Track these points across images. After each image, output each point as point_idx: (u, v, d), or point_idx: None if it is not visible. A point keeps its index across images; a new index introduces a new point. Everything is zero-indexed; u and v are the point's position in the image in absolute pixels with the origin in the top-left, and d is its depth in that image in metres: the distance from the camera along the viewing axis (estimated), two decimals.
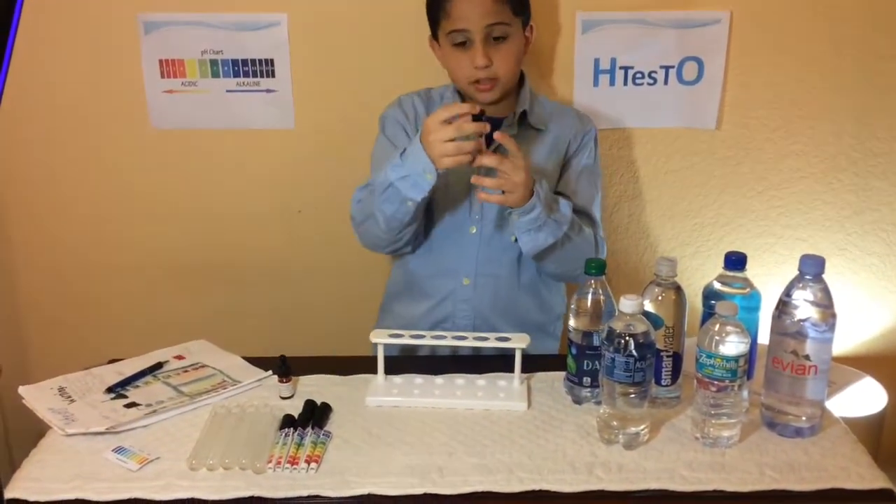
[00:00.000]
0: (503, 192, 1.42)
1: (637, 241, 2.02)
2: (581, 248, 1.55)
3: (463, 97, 1.61)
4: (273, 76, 1.84)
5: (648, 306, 1.28)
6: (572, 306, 1.32)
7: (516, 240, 1.54)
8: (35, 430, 1.30)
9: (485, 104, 1.54)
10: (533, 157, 1.60)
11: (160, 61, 1.82)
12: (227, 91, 1.85)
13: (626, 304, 1.19)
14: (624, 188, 1.97)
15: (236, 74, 1.83)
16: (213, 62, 1.82)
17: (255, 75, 1.84)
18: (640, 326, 1.19)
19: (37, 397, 1.35)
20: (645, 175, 1.96)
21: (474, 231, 1.61)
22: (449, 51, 1.55)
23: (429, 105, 1.65)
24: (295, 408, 1.33)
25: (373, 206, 1.51)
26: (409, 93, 1.67)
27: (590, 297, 1.31)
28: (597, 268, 1.30)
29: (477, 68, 1.51)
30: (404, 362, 1.47)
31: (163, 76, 1.83)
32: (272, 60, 1.83)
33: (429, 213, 1.62)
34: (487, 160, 1.40)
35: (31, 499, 1.12)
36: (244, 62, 1.83)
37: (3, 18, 0.60)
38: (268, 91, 1.85)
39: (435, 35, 1.58)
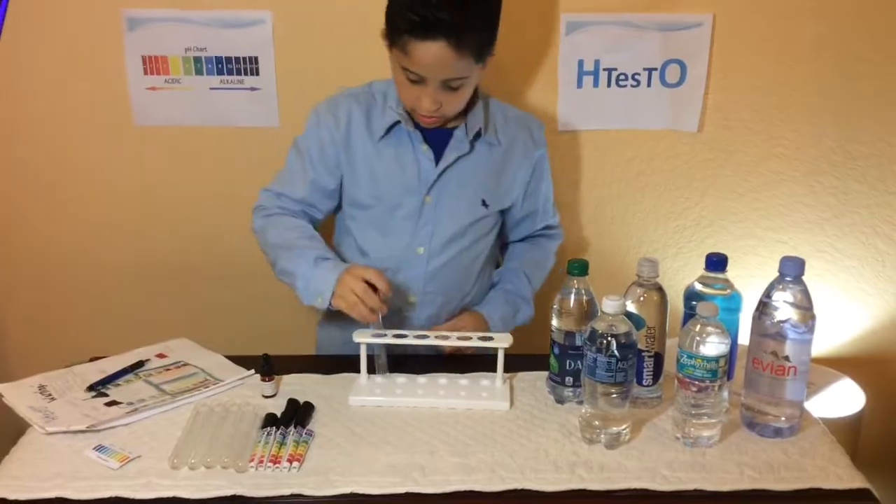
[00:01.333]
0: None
1: (620, 241, 2.03)
2: (545, 278, 1.75)
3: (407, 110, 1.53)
4: (257, 74, 1.83)
5: (630, 307, 1.29)
6: (555, 306, 1.33)
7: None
8: (14, 428, 1.29)
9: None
10: (487, 173, 1.57)
11: (143, 58, 1.81)
12: (211, 88, 1.84)
13: (609, 304, 1.20)
14: (607, 189, 1.98)
15: (220, 72, 1.82)
16: (197, 59, 1.81)
17: (239, 73, 1.83)
18: (622, 327, 1.19)
19: (17, 395, 1.34)
20: (628, 176, 1.97)
21: (422, 251, 1.58)
22: (399, 74, 1.44)
23: (369, 110, 1.55)
24: (278, 406, 1.33)
25: (271, 244, 1.55)
26: (350, 92, 1.58)
27: (572, 297, 1.31)
28: (579, 268, 1.31)
29: (423, 109, 1.45)
30: (387, 361, 1.46)
31: (146, 73, 1.82)
32: (256, 58, 1.82)
33: (372, 234, 1.59)
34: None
35: (12, 497, 1.11)
36: (228, 60, 1.82)
37: None
38: (252, 89, 1.85)
39: (389, 45, 1.43)
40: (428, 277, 1.59)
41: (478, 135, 1.55)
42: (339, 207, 1.64)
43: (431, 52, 1.35)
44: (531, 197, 1.69)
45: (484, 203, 1.59)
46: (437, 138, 1.55)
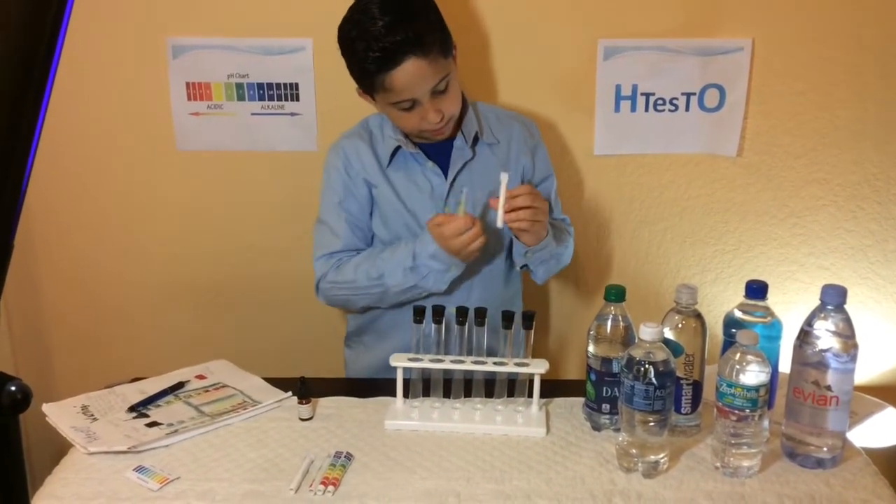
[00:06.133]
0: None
1: (657, 267, 2.02)
2: (569, 257, 1.69)
3: (405, 133, 1.59)
4: (297, 100, 1.86)
5: (668, 334, 1.28)
6: (591, 332, 1.32)
7: (522, 268, 1.65)
8: (57, 447, 1.31)
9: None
10: (494, 171, 1.58)
11: (187, 84, 1.85)
12: (252, 114, 1.87)
13: (646, 331, 1.19)
14: (644, 214, 1.97)
15: (261, 98, 1.86)
16: (239, 85, 1.85)
17: (279, 98, 1.86)
18: (660, 354, 1.19)
19: (60, 415, 1.36)
20: (666, 201, 1.96)
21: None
22: (393, 111, 1.52)
23: (372, 144, 1.61)
24: (313, 430, 1.34)
25: (362, 290, 1.58)
26: (348, 133, 1.65)
27: (609, 323, 1.31)
28: (616, 294, 1.30)
29: (431, 123, 1.50)
30: (423, 385, 1.46)
31: (189, 98, 1.86)
32: (297, 84, 1.85)
33: None
34: (521, 200, 1.45)
35: None
36: (269, 86, 1.85)
37: (48, 47, 0.61)
38: (292, 114, 1.88)
39: (370, 94, 1.52)
40: (464, 290, 1.63)
41: (476, 139, 1.61)
42: None
43: (408, 73, 1.42)
44: (539, 186, 1.69)
45: None
46: (439, 154, 1.60)
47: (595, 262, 2.01)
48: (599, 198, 1.96)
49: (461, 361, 1.39)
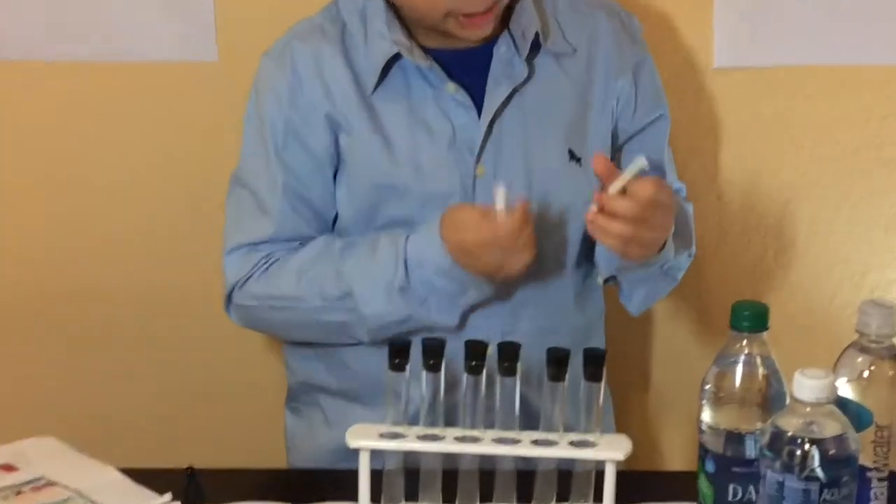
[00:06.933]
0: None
1: (824, 267, 2.02)
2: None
3: (409, 29, 1.57)
4: None
5: (846, 389, 1.28)
6: (707, 386, 1.32)
7: (607, 281, 1.65)
8: None
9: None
10: (564, 102, 1.60)
11: None
12: None
13: (806, 384, 1.18)
14: (802, 173, 1.97)
15: None
16: None
17: None
18: (831, 426, 1.19)
19: None
20: (842, 150, 1.97)
21: None
22: None
23: (349, 53, 1.60)
24: None
25: (313, 316, 1.59)
26: (304, 32, 1.64)
27: (739, 369, 1.30)
28: (753, 318, 1.30)
29: (470, 3, 1.47)
30: (405, 480, 1.47)
31: None
32: None
33: None
34: (624, 208, 1.40)
35: None
36: None
37: None
38: None
39: None
40: (505, 316, 1.62)
41: (536, 45, 1.58)
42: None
43: None
44: (642, 133, 1.69)
45: (572, 155, 1.60)
46: (467, 70, 1.59)
47: (715, 258, 2.02)
48: (724, 144, 1.96)
49: (475, 439, 1.39)
